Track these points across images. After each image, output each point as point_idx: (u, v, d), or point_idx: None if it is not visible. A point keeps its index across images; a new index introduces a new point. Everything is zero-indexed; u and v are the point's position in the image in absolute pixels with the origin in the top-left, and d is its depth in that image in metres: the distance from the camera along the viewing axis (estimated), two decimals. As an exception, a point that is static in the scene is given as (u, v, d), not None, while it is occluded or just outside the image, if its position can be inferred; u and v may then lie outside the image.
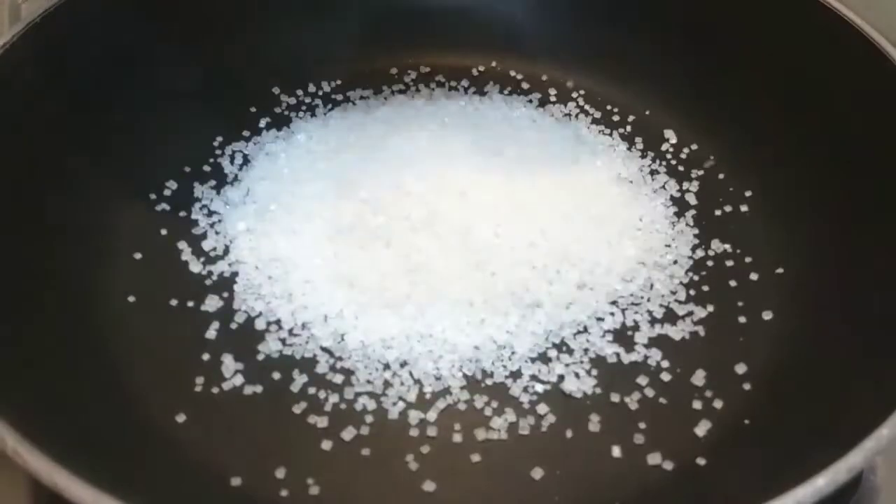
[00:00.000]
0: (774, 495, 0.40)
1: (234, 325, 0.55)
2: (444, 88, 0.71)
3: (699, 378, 0.53)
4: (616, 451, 0.49)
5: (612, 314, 0.56)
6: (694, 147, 0.66)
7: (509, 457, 0.49)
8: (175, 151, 0.64)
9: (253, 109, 0.68)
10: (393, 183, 0.61)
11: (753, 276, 0.58)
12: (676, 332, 0.55)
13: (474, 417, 0.51)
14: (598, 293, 0.56)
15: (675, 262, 0.59)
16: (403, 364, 0.53)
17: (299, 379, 0.52)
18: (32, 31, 0.57)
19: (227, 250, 0.59)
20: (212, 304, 0.56)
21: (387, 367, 0.53)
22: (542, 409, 0.51)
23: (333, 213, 0.59)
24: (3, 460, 0.41)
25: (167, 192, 0.62)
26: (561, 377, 0.53)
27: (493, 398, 0.52)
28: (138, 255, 0.58)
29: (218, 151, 0.66)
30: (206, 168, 0.64)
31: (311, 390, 0.52)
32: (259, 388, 0.52)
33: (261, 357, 0.53)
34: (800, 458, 0.44)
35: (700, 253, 0.59)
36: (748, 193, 0.63)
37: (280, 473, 0.48)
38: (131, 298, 0.56)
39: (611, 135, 0.67)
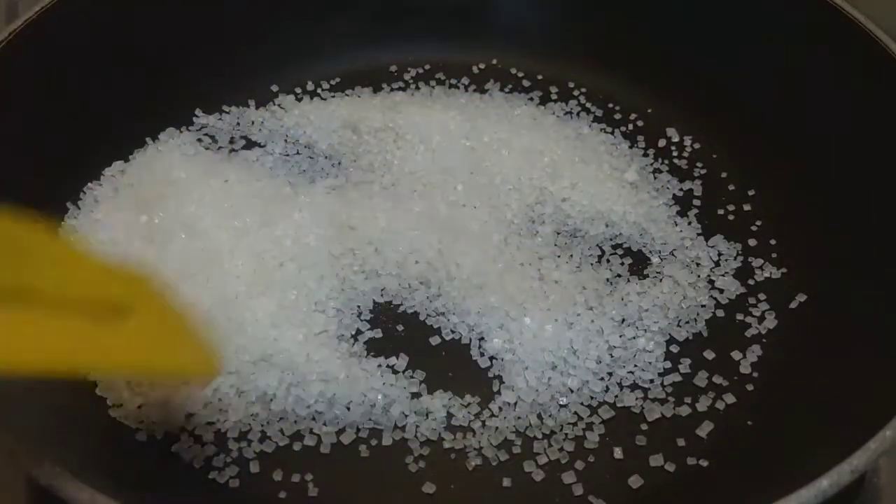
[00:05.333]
0: (777, 497, 0.39)
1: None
2: (444, 86, 0.70)
3: (702, 379, 0.52)
4: (618, 453, 0.49)
5: (615, 313, 0.55)
6: (696, 146, 0.66)
7: (510, 458, 0.49)
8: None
9: (252, 106, 0.68)
10: (394, 185, 0.61)
11: (756, 276, 0.58)
12: (679, 332, 0.55)
13: (475, 419, 0.51)
14: (599, 293, 0.56)
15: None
16: (405, 366, 0.53)
17: (298, 379, 0.52)
18: (29, 29, 0.57)
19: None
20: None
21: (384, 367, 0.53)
22: (545, 410, 0.51)
23: (334, 215, 0.59)
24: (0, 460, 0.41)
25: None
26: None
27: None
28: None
29: (216, 149, 0.65)
30: (205, 166, 0.64)
31: (311, 391, 0.52)
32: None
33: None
34: (803, 459, 0.44)
35: (702, 252, 0.59)
36: (751, 192, 0.63)
37: (278, 475, 0.48)
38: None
39: (612, 133, 0.67)
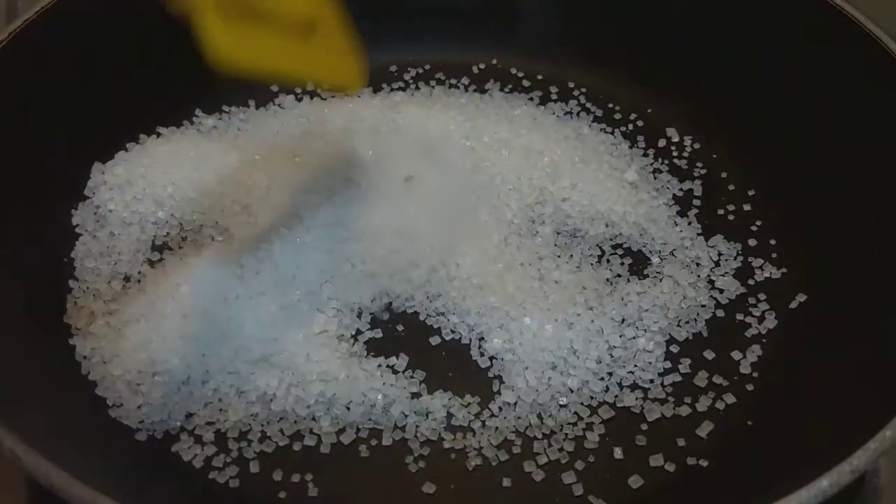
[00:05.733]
0: (777, 497, 0.39)
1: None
2: (444, 86, 0.70)
3: (702, 379, 0.52)
4: (618, 453, 0.49)
5: (614, 313, 0.55)
6: (696, 146, 0.66)
7: (510, 458, 0.49)
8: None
9: (252, 106, 0.68)
10: (394, 185, 0.61)
11: (756, 276, 0.58)
12: (679, 332, 0.55)
13: (475, 419, 0.51)
14: (600, 294, 0.56)
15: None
16: (405, 366, 0.53)
17: (298, 379, 0.52)
18: (29, 29, 0.57)
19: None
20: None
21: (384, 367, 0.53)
22: (545, 410, 0.51)
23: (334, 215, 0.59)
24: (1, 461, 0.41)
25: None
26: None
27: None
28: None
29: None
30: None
31: (311, 390, 0.52)
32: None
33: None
34: (803, 459, 0.44)
35: (702, 252, 0.59)
36: (751, 192, 0.63)
37: (278, 475, 0.48)
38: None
39: (612, 133, 0.67)
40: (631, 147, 0.66)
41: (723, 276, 0.58)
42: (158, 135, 0.64)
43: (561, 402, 0.51)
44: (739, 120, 0.65)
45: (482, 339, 0.54)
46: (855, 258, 0.55)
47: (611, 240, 0.59)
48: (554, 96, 0.70)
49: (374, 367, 0.52)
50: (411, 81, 0.71)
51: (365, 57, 0.51)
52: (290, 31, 0.45)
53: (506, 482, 0.48)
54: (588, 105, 0.69)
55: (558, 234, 0.59)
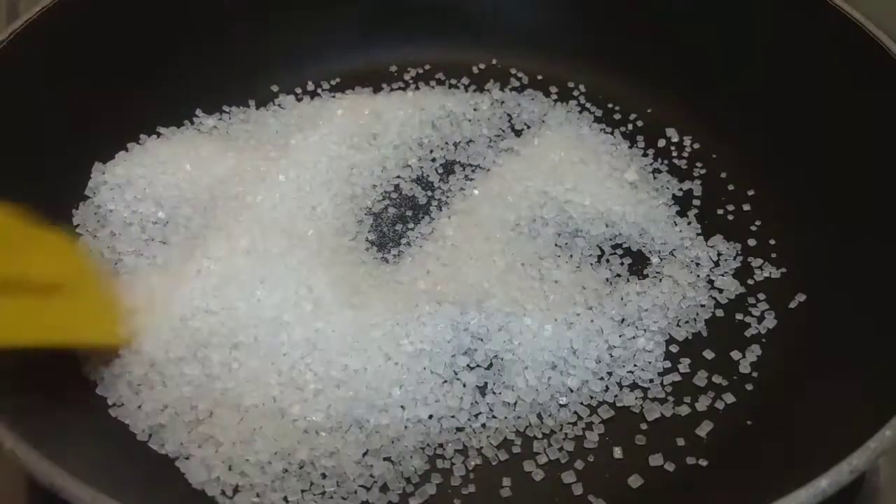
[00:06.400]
0: (777, 496, 0.39)
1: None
2: (444, 86, 0.71)
3: (701, 379, 0.52)
4: (618, 453, 0.49)
5: (614, 313, 0.55)
6: (696, 146, 0.66)
7: (510, 458, 0.49)
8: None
9: (252, 106, 0.68)
10: (395, 185, 0.61)
11: (756, 276, 0.58)
12: (679, 332, 0.55)
13: (475, 419, 0.51)
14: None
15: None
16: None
17: (298, 379, 0.52)
18: (30, 29, 0.57)
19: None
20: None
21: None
22: (545, 410, 0.51)
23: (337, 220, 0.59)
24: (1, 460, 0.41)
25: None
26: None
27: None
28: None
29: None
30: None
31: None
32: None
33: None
34: (802, 459, 0.44)
35: (702, 253, 0.59)
36: (750, 193, 0.63)
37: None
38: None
39: (612, 133, 0.67)
40: (631, 147, 0.66)
41: (722, 276, 0.58)
42: (158, 135, 0.64)
43: (561, 402, 0.51)
44: (739, 120, 0.65)
45: (482, 338, 0.53)
46: (855, 258, 0.55)
47: (611, 240, 0.60)
48: (554, 96, 0.70)
49: None
50: (411, 81, 0.71)
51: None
52: (33, 296, 0.40)
53: (506, 482, 0.48)
54: (588, 105, 0.69)
55: (559, 234, 0.59)
